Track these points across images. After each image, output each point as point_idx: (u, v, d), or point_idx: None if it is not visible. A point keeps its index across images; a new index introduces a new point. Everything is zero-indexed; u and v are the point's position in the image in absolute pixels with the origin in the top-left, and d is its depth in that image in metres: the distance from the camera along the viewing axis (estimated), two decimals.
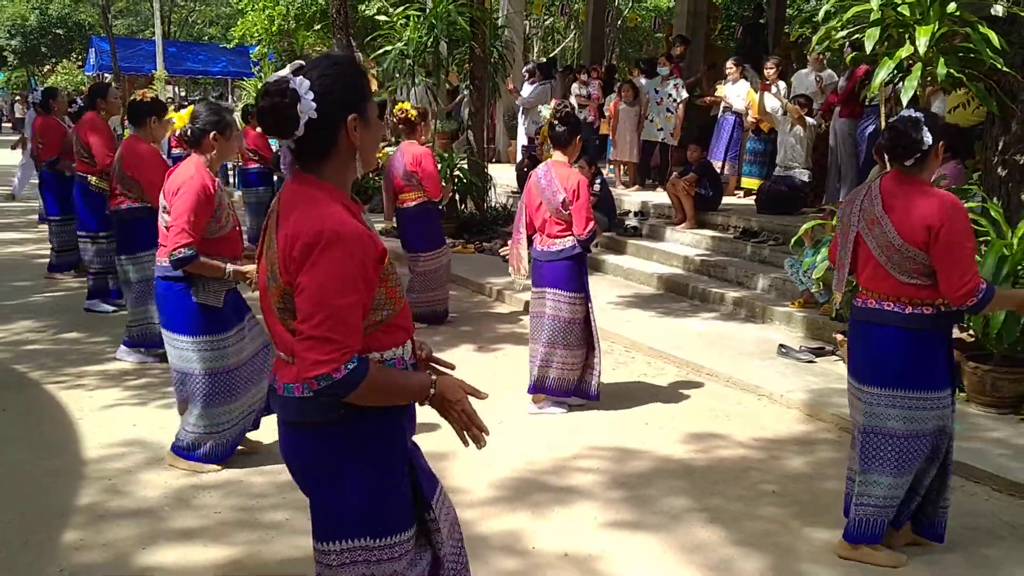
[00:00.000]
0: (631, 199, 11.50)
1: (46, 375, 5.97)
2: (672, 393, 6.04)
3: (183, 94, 35.98)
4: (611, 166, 13.35)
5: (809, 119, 9.78)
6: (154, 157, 6.18)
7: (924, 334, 3.66)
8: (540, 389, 5.68)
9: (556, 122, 5.68)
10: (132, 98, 6.46)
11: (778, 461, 4.94)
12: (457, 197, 12.05)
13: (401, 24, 11.94)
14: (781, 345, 6.78)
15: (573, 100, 15.87)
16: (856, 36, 5.62)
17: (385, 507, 2.35)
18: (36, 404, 5.43)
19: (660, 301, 8.50)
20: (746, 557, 3.86)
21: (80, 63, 40.21)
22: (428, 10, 11.81)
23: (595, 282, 9.23)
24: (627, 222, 10.78)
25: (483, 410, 5.13)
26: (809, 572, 3.76)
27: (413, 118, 7.71)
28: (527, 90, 14.15)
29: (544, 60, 14.74)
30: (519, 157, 13.73)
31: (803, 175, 9.88)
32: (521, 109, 14.23)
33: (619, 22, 26.55)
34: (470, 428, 2.43)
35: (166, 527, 3.95)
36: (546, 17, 30.68)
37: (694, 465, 4.86)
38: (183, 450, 4.54)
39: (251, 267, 4.32)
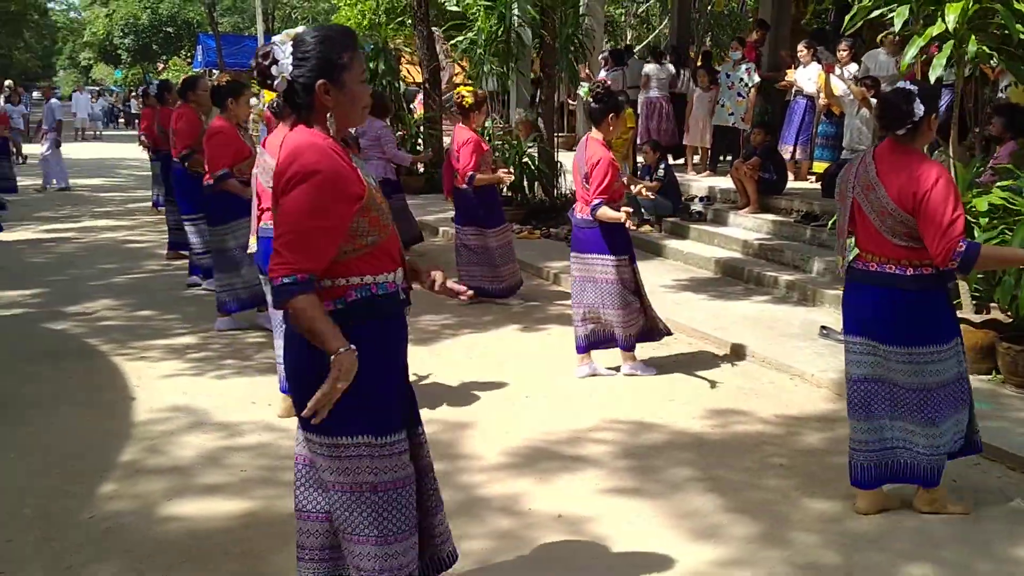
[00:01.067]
0: (700, 184, 11.51)
1: (115, 347, 6.44)
2: (705, 372, 6.12)
3: None
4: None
5: (875, 100, 9.62)
6: (226, 133, 6.57)
7: (929, 294, 3.83)
8: (592, 347, 5.99)
9: (591, 100, 5.92)
10: (213, 84, 6.97)
11: (795, 436, 5.01)
12: (526, 184, 12.27)
13: (473, 14, 12.20)
14: (823, 327, 6.77)
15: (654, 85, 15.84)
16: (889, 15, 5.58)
17: (382, 410, 2.70)
18: (100, 373, 5.88)
19: (715, 285, 8.54)
20: (736, 523, 3.97)
21: (189, 60, 41.94)
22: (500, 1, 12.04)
23: (654, 266, 9.37)
24: (692, 207, 10.80)
25: (515, 383, 5.31)
26: (796, 539, 3.85)
27: (467, 104, 7.95)
28: (601, 77, 14.24)
29: (617, 46, 14.78)
30: None
31: None
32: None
33: (709, 7, 26.26)
34: (318, 404, 2.50)
35: (194, 483, 4.29)
36: (639, 3, 30.57)
37: (708, 439, 4.96)
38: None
39: None
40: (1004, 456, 4.64)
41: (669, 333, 6.22)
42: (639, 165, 11.45)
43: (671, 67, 13.47)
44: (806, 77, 11.24)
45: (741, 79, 12.06)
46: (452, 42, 13.19)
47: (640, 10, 33.50)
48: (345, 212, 2.55)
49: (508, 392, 5.67)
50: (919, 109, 3.74)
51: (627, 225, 5.77)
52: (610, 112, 5.88)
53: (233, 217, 6.65)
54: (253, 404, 5.35)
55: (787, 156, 11.09)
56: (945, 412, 3.92)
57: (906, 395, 3.93)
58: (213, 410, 5.18)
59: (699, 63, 14.00)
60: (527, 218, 11.81)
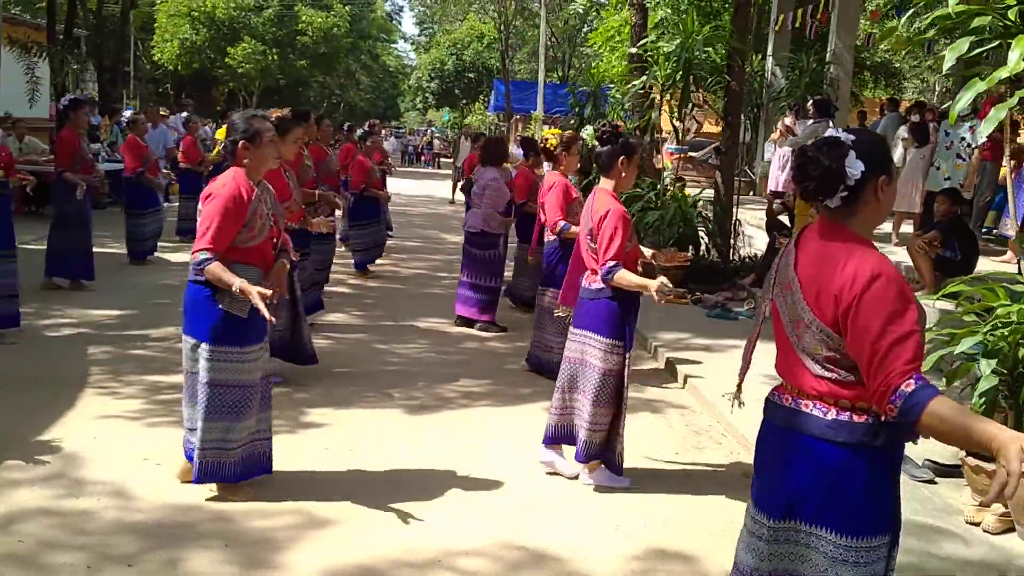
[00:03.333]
0: (894, 258, 9.65)
1: (105, 378, 6.23)
2: (703, 493, 4.83)
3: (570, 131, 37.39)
4: None
5: None
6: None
7: (859, 451, 2.46)
8: (559, 440, 4.95)
9: (598, 144, 4.98)
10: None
11: None
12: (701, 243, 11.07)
13: (651, 56, 11.25)
14: None
15: (899, 143, 13.98)
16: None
17: None
18: (50, 406, 5.57)
19: None
20: None
21: (485, 104, 43.72)
22: (681, 44, 10.97)
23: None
24: None
25: (463, 476, 5.07)
26: None
27: (551, 147, 7.17)
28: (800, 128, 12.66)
29: (820, 96, 13.06)
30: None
31: None
32: (790, 150, 12.76)
33: None
34: None
35: None
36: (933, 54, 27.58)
37: None
38: (191, 457, 4.46)
39: (257, 289, 4.04)
40: None
41: (619, 473, 4.88)
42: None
43: (809, 121, 11.81)
44: None
45: (963, 138, 10.10)
46: (626, 87, 12.26)
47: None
48: None
49: (431, 488, 4.70)
50: (854, 169, 2.46)
51: (659, 301, 4.59)
52: (620, 156, 4.85)
53: None
54: (145, 461, 4.83)
55: (1010, 232, 9.14)
56: None
57: None
58: (93, 462, 4.74)
59: (916, 116, 12.03)
60: (686, 281, 10.56)
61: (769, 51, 17.24)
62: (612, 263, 4.61)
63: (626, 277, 4.63)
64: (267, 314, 3.98)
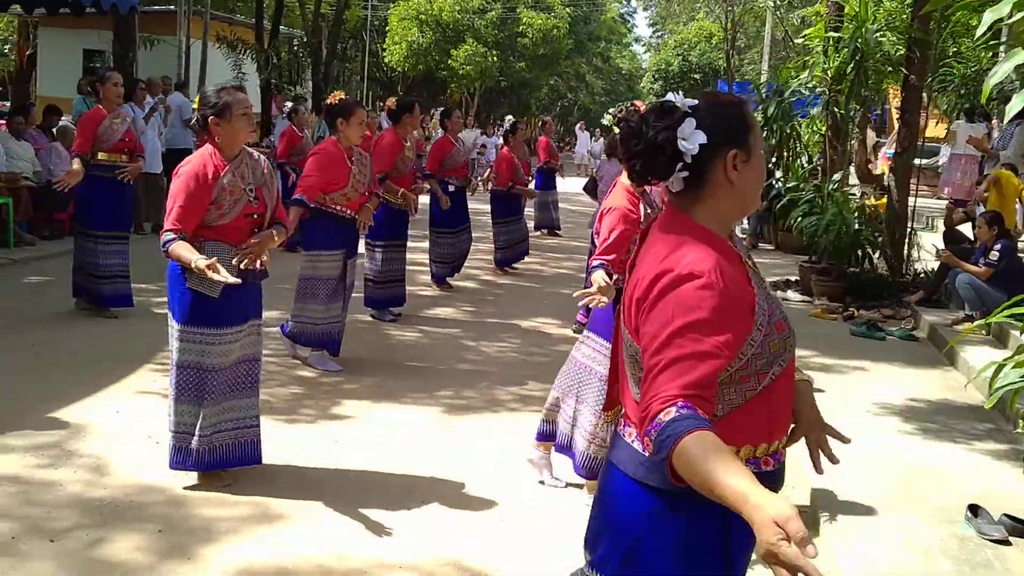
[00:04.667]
0: None
1: (165, 354, 6.32)
2: None
3: None
4: None
5: None
6: (323, 155, 6.09)
7: (677, 500, 1.88)
8: (550, 441, 4.61)
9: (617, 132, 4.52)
10: (324, 104, 6.65)
11: None
12: (860, 252, 9.99)
13: (819, 49, 10.31)
14: (972, 506, 4.30)
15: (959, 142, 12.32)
16: None
17: None
18: (101, 377, 5.74)
19: (951, 417, 5.98)
20: None
21: None
22: (852, 33, 9.96)
23: (915, 377, 6.91)
24: None
25: (463, 488, 4.54)
26: None
27: None
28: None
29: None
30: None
31: None
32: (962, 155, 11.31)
33: None
34: None
35: None
36: None
37: None
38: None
39: (212, 273, 3.86)
40: None
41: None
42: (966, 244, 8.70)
43: (981, 126, 10.30)
44: None
45: None
46: (796, 79, 11.30)
47: None
48: None
49: (412, 492, 4.37)
50: (691, 142, 1.92)
51: None
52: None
53: (325, 247, 6.16)
54: (148, 438, 4.80)
55: None
56: None
57: None
58: (96, 436, 4.78)
59: None
60: (845, 293, 9.55)
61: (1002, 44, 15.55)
62: (596, 261, 4.14)
63: (599, 279, 4.06)
64: (230, 278, 3.80)
